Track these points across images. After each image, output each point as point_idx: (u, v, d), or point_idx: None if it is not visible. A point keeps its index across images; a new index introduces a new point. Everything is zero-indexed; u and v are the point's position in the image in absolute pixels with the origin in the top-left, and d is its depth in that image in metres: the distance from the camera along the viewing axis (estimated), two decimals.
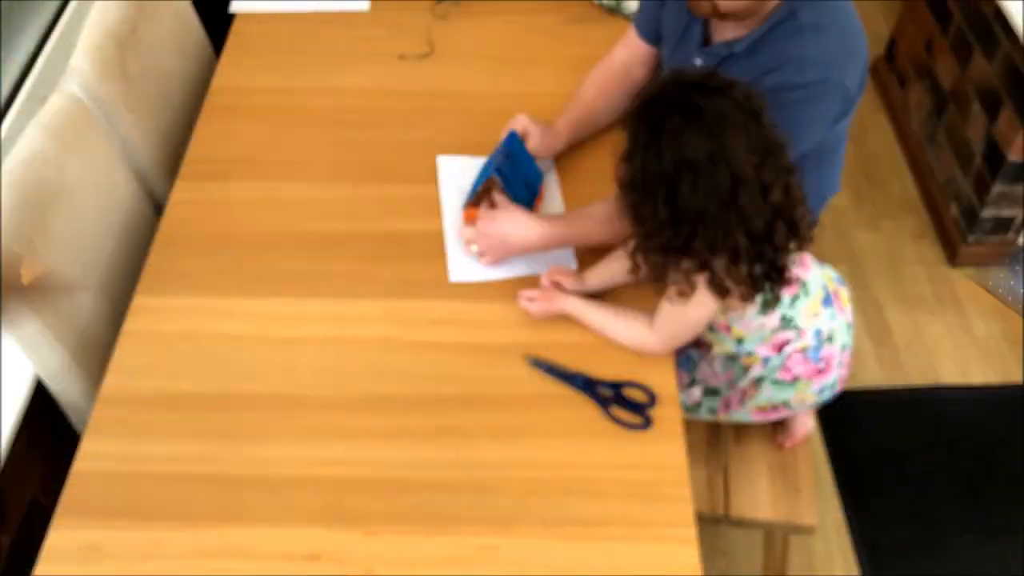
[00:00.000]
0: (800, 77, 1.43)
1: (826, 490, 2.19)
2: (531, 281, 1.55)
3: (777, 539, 1.81)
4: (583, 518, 1.29)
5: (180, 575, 1.24)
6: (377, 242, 1.64)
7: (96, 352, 1.56)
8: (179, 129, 1.95)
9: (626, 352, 1.46)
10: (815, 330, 1.49)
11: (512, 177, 1.61)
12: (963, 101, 2.64)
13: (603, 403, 1.40)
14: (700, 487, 1.65)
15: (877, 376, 2.42)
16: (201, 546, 1.26)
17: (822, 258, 1.56)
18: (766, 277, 1.30)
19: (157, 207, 1.85)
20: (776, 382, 1.54)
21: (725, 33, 1.52)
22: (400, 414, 1.40)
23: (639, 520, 1.29)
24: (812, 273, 1.48)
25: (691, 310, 1.36)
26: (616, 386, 1.42)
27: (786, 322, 1.46)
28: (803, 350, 1.50)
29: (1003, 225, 2.58)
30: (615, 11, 2.06)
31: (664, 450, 1.36)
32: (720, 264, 1.27)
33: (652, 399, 1.41)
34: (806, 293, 1.46)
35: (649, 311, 1.43)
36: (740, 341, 1.49)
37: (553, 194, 1.71)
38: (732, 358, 1.54)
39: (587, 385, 1.42)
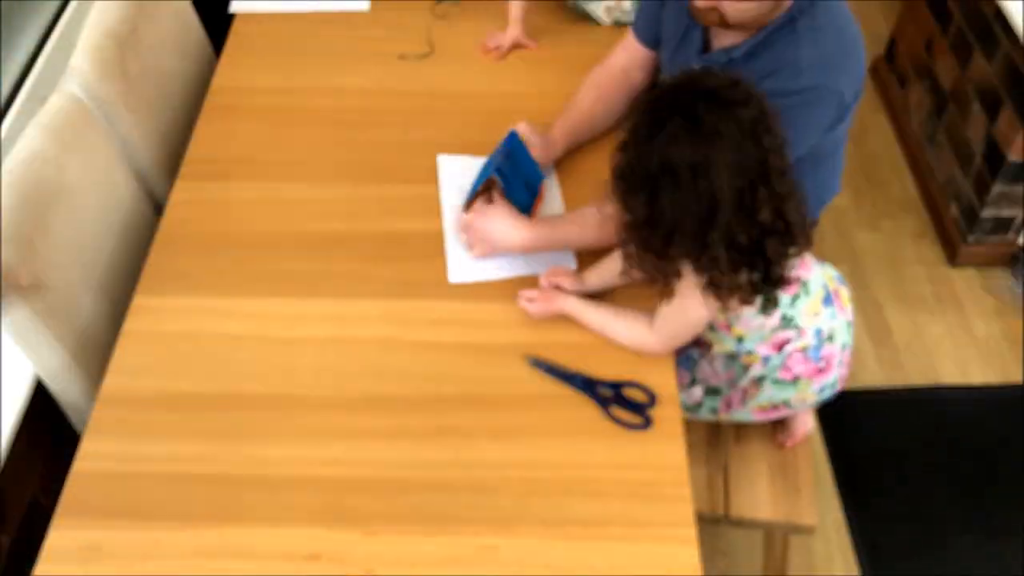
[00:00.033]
0: (794, 83, 1.43)
1: (826, 490, 2.19)
2: (531, 281, 1.55)
3: (777, 539, 1.81)
4: (583, 518, 1.29)
5: (180, 575, 1.24)
6: (377, 242, 1.64)
7: (96, 352, 1.56)
8: (179, 129, 1.95)
9: (626, 352, 1.46)
10: (815, 329, 1.49)
11: (512, 177, 1.61)
12: (963, 101, 2.64)
13: (603, 403, 1.40)
14: (700, 487, 1.65)
15: (877, 376, 2.42)
16: (201, 546, 1.26)
17: (822, 258, 1.56)
18: (763, 282, 1.30)
19: (157, 207, 1.85)
20: (777, 381, 1.54)
21: (725, 40, 1.53)
22: (400, 414, 1.40)
23: (639, 520, 1.29)
24: (813, 273, 1.48)
25: (690, 311, 1.36)
26: (616, 386, 1.42)
27: (786, 321, 1.46)
28: (803, 349, 1.50)
29: (1003, 225, 2.58)
30: (586, 15, 2.05)
31: (664, 450, 1.36)
32: (708, 271, 1.27)
33: (652, 399, 1.41)
34: (806, 293, 1.46)
35: (649, 311, 1.43)
36: (740, 340, 1.49)
37: (553, 194, 1.71)
38: (732, 357, 1.54)
39: (587, 385, 1.42)
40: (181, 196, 1.71)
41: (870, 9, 3.40)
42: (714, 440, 1.72)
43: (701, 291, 1.30)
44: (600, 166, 1.57)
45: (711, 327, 1.48)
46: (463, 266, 1.59)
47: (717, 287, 1.28)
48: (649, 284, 1.34)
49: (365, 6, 2.13)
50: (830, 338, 1.51)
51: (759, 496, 1.66)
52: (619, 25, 2.03)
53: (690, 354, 1.62)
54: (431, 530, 1.28)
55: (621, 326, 1.46)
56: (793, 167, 1.28)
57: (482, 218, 1.56)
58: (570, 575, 1.24)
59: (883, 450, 2.26)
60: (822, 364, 1.53)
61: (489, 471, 1.34)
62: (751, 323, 1.45)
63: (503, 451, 1.36)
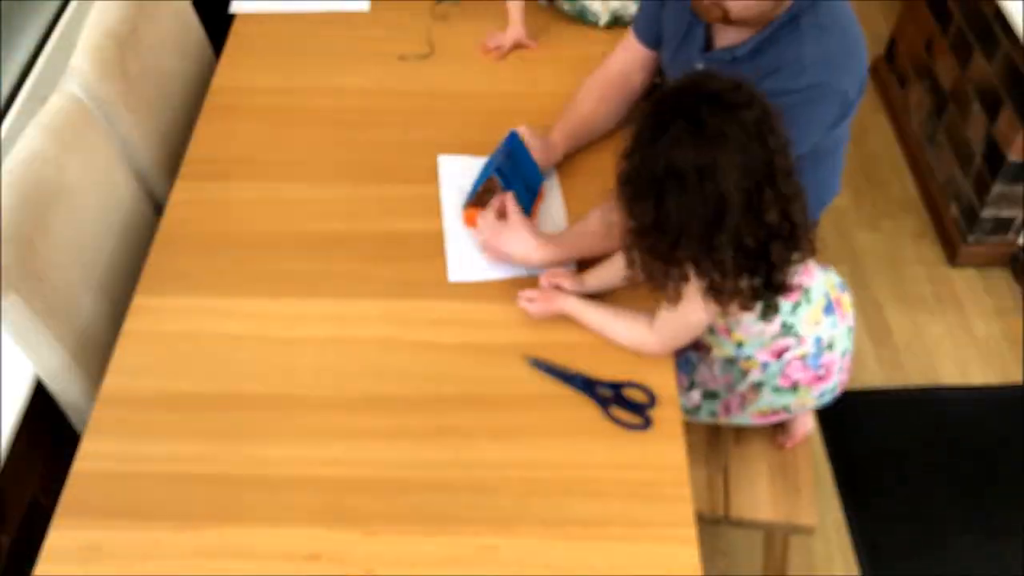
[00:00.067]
0: (797, 81, 1.43)
1: (826, 490, 2.19)
2: (531, 281, 1.55)
3: (777, 539, 1.81)
4: (583, 518, 1.29)
5: (180, 575, 1.24)
6: (377, 242, 1.64)
7: (96, 352, 1.56)
8: (179, 129, 1.95)
9: (626, 352, 1.46)
10: (815, 338, 1.48)
11: (512, 177, 1.61)
12: (963, 101, 2.64)
13: (603, 403, 1.40)
14: (700, 487, 1.65)
15: (877, 376, 2.42)
16: (201, 546, 1.26)
17: (822, 259, 1.56)
18: (764, 288, 1.29)
19: (157, 207, 1.85)
20: (776, 388, 1.53)
21: (727, 38, 1.52)
22: (400, 414, 1.40)
23: (639, 520, 1.29)
24: (815, 280, 1.47)
25: (691, 313, 1.36)
26: (616, 386, 1.42)
27: (786, 329, 1.45)
28: (803, 357, 1.49)
29: (1003, 225, 2.58)
30: (583, 17, 2.05)
31: (664, 450, 1.36)
32: (712, 275, 1.26)
33: (652, 399, 1.41)
34: (808, 301, 1.45)
35: (649, 311, 1.43)
36: (739, 345, 1.49)
37: (553, 194, 1.71)
38: (731, 361, 1.54)
39: (587, 385, 1.42)
40: (181, 196, 1.71)
41: (870, 9, 3.40)
42: (714, 440, 1.72)
43: (702, 295, 1.30)
44: (600, 166, 1.58)
45: (710, 330, 1.48)
46: (463, 265, 1.59)
47: (718, 291, 1.28)
48: (653, 289, 1.33)
49: (365, 6, 2.13)
50: (830, 346, 1.51)
51: (759, 496, 1.66)
52: (617, 24, 2.02)
53: (689, 357, 1.62)
54: (431, 530, 1.28)
55: (621, 326, 1.46)
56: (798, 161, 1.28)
57: (498, 238, 1.54)
58: (570, 575, 1.24)
59: (883, 450, 2.26)
60: (821, 372, 1.52)
61: (489, 471, 1.34)
62: (751, 329, 1.45)
63: (503, 451, 1.36)
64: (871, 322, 2.54)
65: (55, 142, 1.55)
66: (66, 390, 1.53)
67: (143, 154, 1.84)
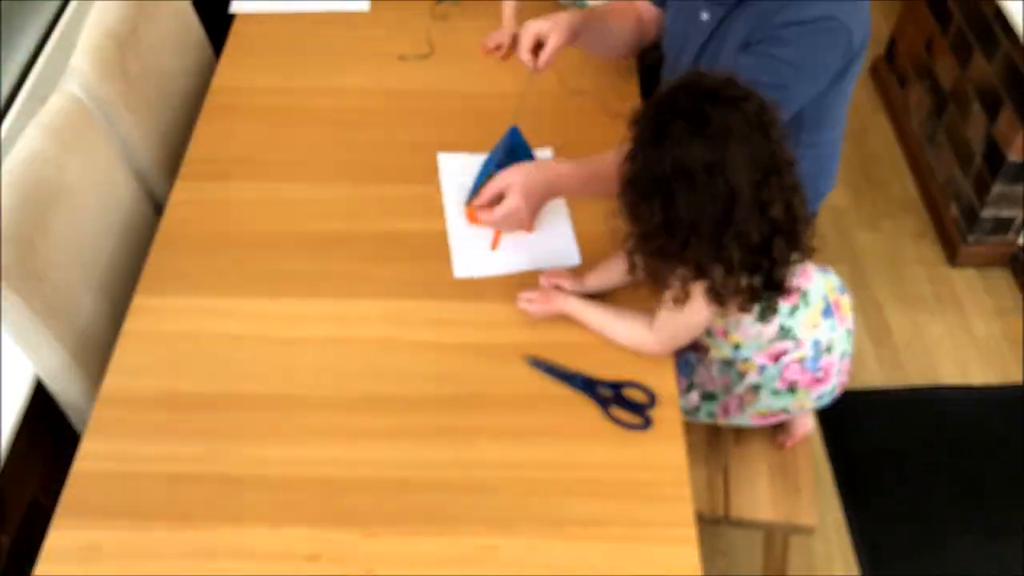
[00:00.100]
0: (806, 13, 1.43)
1: (826, 490, 2.19)
2: (531, 281, 1.55)
3: (777, 539, 1.81)
4: (583, 518, 1.29)
5: (180, 575, 1.24)
6: (377, 242, 1.64)
7: (96, 352, 1.56)
8: (179, 129, 1.95)
9: (626, 352, 1.46)
10: (813, 341, 1.48)
11: None
12: (963, 101, 2.64)
13: (603, 403, 1.40)
14: (700, 487, 1.65)
15: (877, 376, 2.42)
16: (201, 546, 1.26)
17: (822, 259, 1.56)
18: (764, 288, 1.29)
19: (157, 207, 1.85)
20: (774, 391, 1.53)
21: None
22: (400, 414, 1.40)
23: (639, 520, 1.29)
24: (813, 283, 1.47)
25: (691, 314, 1.36)
26: (616, 386, 1.42)
27: (784, 332, 1.45)
28: (800, 360, 1.49)
29: (1003, 225, 2.58)
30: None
31: (664, 450, 1.36)
32: (716, 273, 1.26)
33: (652, 399, 1.41)
34: (806, 304, 1.45)
35: (648, 312, 1.43)
36: (737, 347, 1.48)
37: None
38: (728, 363, 1.54)
39: (587, 385, 1.42)
40: (181, 196, 1.71)
41: (870, 9, 3.40)
42: (714, 440, 1.72)
43: (704, 295, 1.30)
44: (601, 150, 1.56)
45: (708, 332, 1.48)
46: (468, 261, 1.59)
47: (718, 291, 1.28)
48: (657, 290, 1.33)
49: (365, 6, 2.13)
50: (828, 349, 1.50)
51: (759, 496, 1.66)
52: None
53: (688, 359, 1.62)
54: (431, 530, 1.28)
55: (621, 326, 1.46)
56: (798, 123, 1.26)
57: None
58: (570, 575, 1.24)
59: (883, 450, 2.26)
60: (820, 375, 1.52)
61: (489, 471, 1.34)
62: (748, 331, 1.45)
63: (503, 451, 1.36)
64: (871, 322, 2.54)
65: (55, 142, 1.55)
66: (66, 390, 1.53)
67: (143, 154, 1.84)
